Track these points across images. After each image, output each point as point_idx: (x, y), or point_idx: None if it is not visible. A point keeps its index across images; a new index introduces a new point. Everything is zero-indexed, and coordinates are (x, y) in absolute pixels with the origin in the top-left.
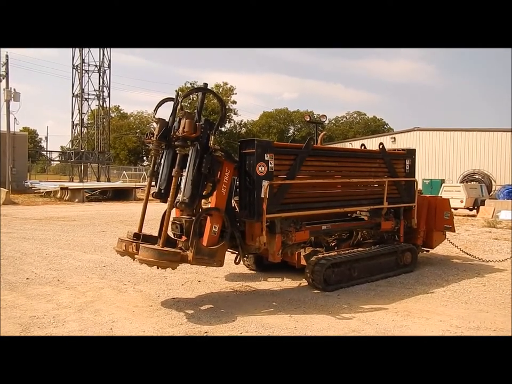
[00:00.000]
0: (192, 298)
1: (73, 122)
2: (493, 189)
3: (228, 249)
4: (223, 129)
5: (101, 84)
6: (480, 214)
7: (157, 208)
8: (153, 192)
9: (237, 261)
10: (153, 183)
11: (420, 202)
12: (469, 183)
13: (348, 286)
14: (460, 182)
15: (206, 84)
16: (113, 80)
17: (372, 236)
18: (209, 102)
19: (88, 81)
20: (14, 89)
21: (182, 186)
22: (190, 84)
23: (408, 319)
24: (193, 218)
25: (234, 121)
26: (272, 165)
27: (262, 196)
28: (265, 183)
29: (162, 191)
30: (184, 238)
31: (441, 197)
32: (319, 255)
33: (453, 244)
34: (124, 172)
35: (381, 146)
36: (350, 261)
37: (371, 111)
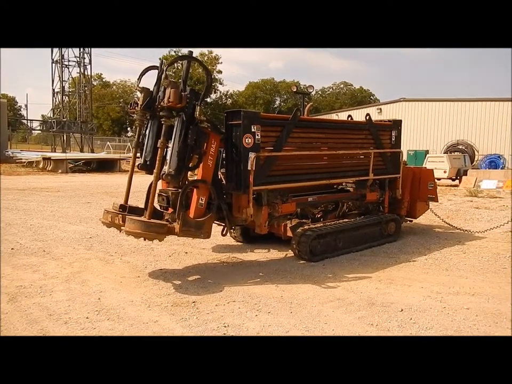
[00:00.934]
0: (179, 269)
1: (53, 90)
2: (476, 159)
3: (215, 221)
4: (208, 99)
5: (81, 50)
6: (463, 183)
7: (142, 180)
8: (139, 164)
9: (223, 233)
10: (138, 154)
11: (405, 173)
12: (452, 154)
13: (333, 256)
14: (444, 153)
15: (191, 52)
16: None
17: (357, 207)
18: (194, 71)
19: None
20: None
21: (168, 158)
22: (175, 51)
23: (391, 287)
24: (180, 190)
25: (220, 92)
26: (259, 137)
27: (249, 168)
28: (251, 155)
29: (148, 163)
30: (170, 210)
31: (425, 167)
32: (305, 227)
33: (435, 214)
34: (108, 142)
35: (367, 118)
36: (335, 232)
37: (358, 82)
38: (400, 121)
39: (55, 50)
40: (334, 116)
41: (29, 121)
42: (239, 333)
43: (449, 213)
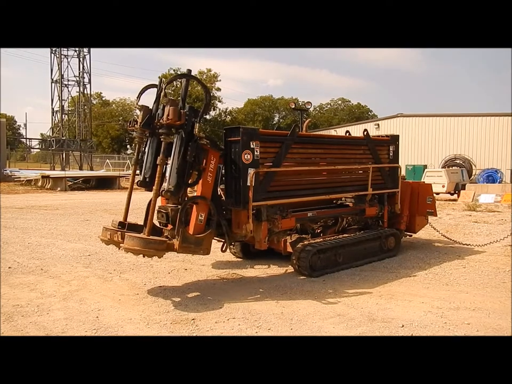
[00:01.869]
0: (178, 286)
1: (53, 109)
2: (473, 173)
3: (214, 237)
4: (208, 117)
5: (81, 70)
6: (461, 198)
7: (141, 197)
8: (138, 181)
9: (223, 249)
10: (137, 171)
11: (403, 188)
12: (450, 168)
13: (333, 272)
14: (442, 167)
15: (189, 70)
16: (94, 65)
17: (356, 221)
18: (193, 89)
19: (67, 66)
20: None
21: (167, 174)
22: (174, 70)
23: (392, 302)
24: (179, 206)
25: (219, 109)
26: (258, 153)
27: (248, 183)
28: (251, 171)
29: (147, 180)
30: (170, 226)
31: (423, 182)
32: (305, 242)
33: (434, 229)
34: (107, 160)
35: (365, 133)
36: (335, 247)
37: (355, 98)
38: (398, 136)
39: (55, 69)
40: (332, 132)
41: (27, 139)
42: None
43: (449, 227)
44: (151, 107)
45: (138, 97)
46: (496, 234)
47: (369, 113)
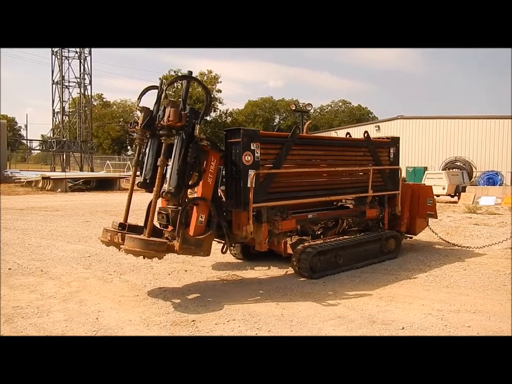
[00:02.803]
0: (178, 287)
1: (53, 110)
2: (474, 175)
3: (215, 239)
4: (208, 118)
5: (82, 71)
6: (461, 200)
7: (141, 198)
8: (138, 182)
9: (223, 250)
10: (138, 172)
11: (404, 190)
12: (450, 170)
13: (333, 274)
14: (442, 169)
15: (190, 72)
16: (95, 66)
17: (357, 223)
18: (194, 90)
19: (68, 68)
20: None
21: (168, 176)
22: (174, 71)
23: (392, 304)
24: (179, 208)
25: (220, 110)
26: (258, 154)
27: (248, 185)
28: (251, 173)
29: (148, 181)
30: (170, 228)
31: (424, 184)
32: (305, 244)
33: (433, 232)
34: (108, 161)
35: (365, 135)
36: (336, 249)
37: (356, 100)
38: (398, 138)
39: (56, 71)
40: (332, 133)
41: (28, 141)
42: None
43: (449, 229)
44: (151, 109)
45: (139, 98)
46: (496, 236)
47: (370, 115)
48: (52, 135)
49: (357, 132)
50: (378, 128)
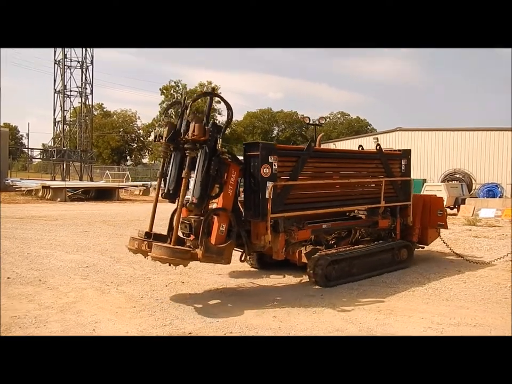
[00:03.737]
0: (175, 299)
1: (55, 119)
2: (473, 187)
3: (234, 248)
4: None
5: (83, 81)
6: (461, 212)
7: (167, 208)
8: (162, 193)
9: (242, 259)
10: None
11: (415, 201)
12: (449, 182)
13: (347, 282)
14: (442, 181)
15: (213, 89)
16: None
17: (369, 233)
18: (198, 103)
19: (70, 77)
20: None
21: (191, 187)
22: (174, 82)
23: (391, 317)
24: (202, 218)
25: (219, 121)
26: (276, 167)
27: (267, 196)
28: (269, 184)
29: (171, 192)
30: (192, 237)
31: (435, 195)
32: (321, 253)
33: (444, 242)
34: (107, 171)
35: (377, 147)
36: (350, 258)
37: (355, 112)
38: (409, 150)
39: (58, 80)
40: (331, 145)
41: (29, 149)
42: None
43: (449, 241)
44: (175, 123)
45: (164, 113)
46: (497, 249)
47: (368, 127)
48: (52, 144)
49: (355, 144)
50: (377, 140)
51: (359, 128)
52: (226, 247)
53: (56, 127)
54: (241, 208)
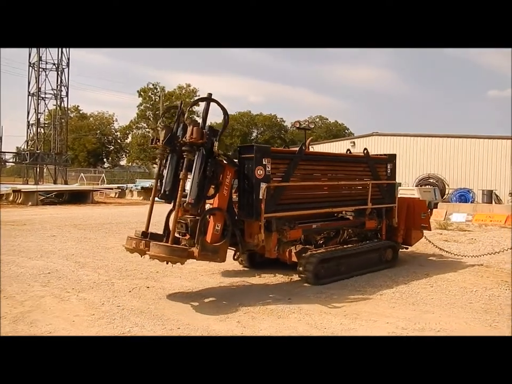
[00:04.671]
0: (138, 305)
1: (28, 122)
2: (446, 192)
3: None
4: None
5: (58, 83)
6: (433, 216)
7: (142, 211)
8: (158, 194)
9: (235, 257)
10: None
11: (400, 203)
12: (423, 187)
13: (336, 280)
14: (416, 186)
15: (210, 94)
16: (72, 78)
17: (356, 234)
18: (172, 104)
19: (45, 79)
20: None
21: (188, 188)
22: (153, 84)
23: (356, 322)
24: (198, 217)
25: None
26: (269, 169)
27: (260, 197)
28: (263, 185)
29: (167, 193)
30: (187, 236)
31: (419, 198)
32: (312, 252)
33: (429, 241)
34: (82, 174)
35: (365, 152)
36: (339, 257)
37: (333, 116)
38: (395, 155)
39: (32, 82)
40: (310, 148)
41: (2, 153)
42: None
43: (419, 244)
44: (172, 126)
45: (161, 117)
46: (465, 252)
47: (346, 131)
48: (26, 147)
49: (333, 147)
50: (354, 144)
51: (337, 132)
52: (221, 245)
53: (30, 130)
54: (235, 209)
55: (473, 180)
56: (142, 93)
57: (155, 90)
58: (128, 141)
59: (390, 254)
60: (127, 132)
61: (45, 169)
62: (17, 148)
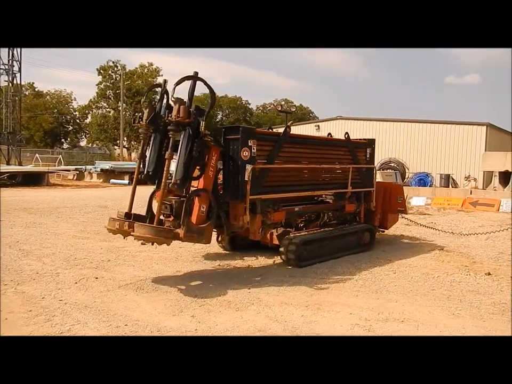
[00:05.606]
0: (83, 299)
1: None
2: (407, 176)
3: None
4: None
5: (10, 57)
6: None
7: (100, 194)
8: (142, 175)
9: (219, 239)
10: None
11: (377, 188)
12: (384, 171)
13: (318, 262)
14: (378, 169)
15: (196, 73)
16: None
17: (336, 217)
18: (133, 83)
19: None
20: None
21: (173, 168)
22: (113, 62)
23: (318, 314)
24: (182, 199)
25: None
26: (255, 150)
27: (246, 178)
28: (248, 167)
29: (150, 173)
30: (171, 218)
31: (395, 183)
32: (295, 234)
33: (411, 220)
34: (37, 154)
35: (346, 136)
36: (320, 239)
37: (298, 100)
38: (374, 140)
39: None
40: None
41: None
42: None
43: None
44: (155, 106)
45: (145, 95)
46: (426, 236)
47: (311, 114)
48: None
49: (297, 130)
50: (318, 127)
51: (302, 115)
52: (206, 227)
53: None
54: (219, 190)
55: (432, 164)
56: (101, 71)
57: (115, 69)
58: (87, 121)
59: (368, 237)
60: (87, 111)
61: None
62: None
